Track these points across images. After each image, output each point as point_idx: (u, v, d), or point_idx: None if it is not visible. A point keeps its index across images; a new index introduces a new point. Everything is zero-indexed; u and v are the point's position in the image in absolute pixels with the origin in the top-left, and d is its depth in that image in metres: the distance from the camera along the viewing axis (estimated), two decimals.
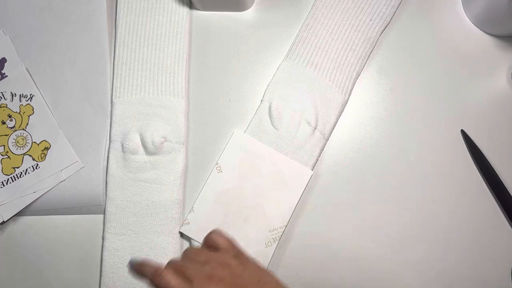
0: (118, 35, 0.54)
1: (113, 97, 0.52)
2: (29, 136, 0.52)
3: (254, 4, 0.56)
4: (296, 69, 0.52)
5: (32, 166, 0.51)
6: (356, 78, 0.53)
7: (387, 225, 0.50)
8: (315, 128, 0.51)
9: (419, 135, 0.52)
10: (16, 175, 0.51)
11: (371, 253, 0.50)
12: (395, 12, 0.54)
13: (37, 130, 0.52)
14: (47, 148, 0.52)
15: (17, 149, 0.52)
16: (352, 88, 0.53)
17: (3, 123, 0.52)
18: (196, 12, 0.56)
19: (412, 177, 0.51)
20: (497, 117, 0.52)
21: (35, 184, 0.51)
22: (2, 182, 0.51)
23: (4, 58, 0.54)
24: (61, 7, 0.55)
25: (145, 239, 0.49)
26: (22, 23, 0.55)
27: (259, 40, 0.55)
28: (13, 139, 0.52)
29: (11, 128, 0.52)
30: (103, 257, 0.49)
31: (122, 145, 0.51)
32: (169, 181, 0.50)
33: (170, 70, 0.53)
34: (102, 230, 0.51)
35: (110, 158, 0.51)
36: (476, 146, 0.51)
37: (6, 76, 0.53)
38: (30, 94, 0.53)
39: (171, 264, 0.34)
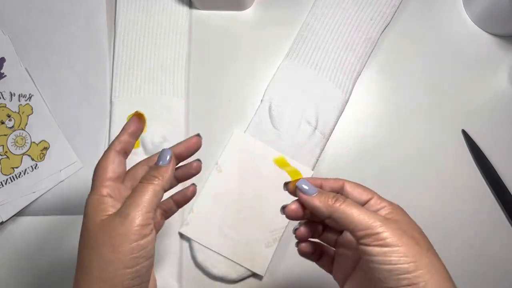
0: (118, 34, 0.54)
1: (113, 96, 0.52)
2: (28, 136, 0.52)
3: (254, 3, 0.56)
4: (296, 69, 0.52)
5: (31, 166, 0.51)
6: (357, 77, 0.53)
7: None
8: (316, 128, 0.51)
9: (419, 135, 0.52)
10: (15, 175, 0.51)
11: None
12: (395, 12, 0.54)
13: (36, 130, 0.52)
14: (46, 148, 0.52)
15: (16, 149, 0.52)
16: (353, 88, 0.53)
17: (2, 123, 0.52)
18: (195, 11, 0.55)
19: (412, 177, 0.51)
20: (498, 117, 0.52)
21: (34, 184, 0.51)
22: (1, 182, 0.51)
23: (3, 57, 0.54)
24: (61, 6, 0.55)
25: None
26: (21, 23, 0.55)
27: (259, 40, 0.55)
28: (12, 139, 0.52)
29: (10, 128, 0.52)
30: None
31: None
32: None
33: (169, 69, 0.53)
34: None
35: None
36: (477, 146, 0.51)
37: (5, 75, 0.53)
38: (29, 94, 0.53)
39: None
